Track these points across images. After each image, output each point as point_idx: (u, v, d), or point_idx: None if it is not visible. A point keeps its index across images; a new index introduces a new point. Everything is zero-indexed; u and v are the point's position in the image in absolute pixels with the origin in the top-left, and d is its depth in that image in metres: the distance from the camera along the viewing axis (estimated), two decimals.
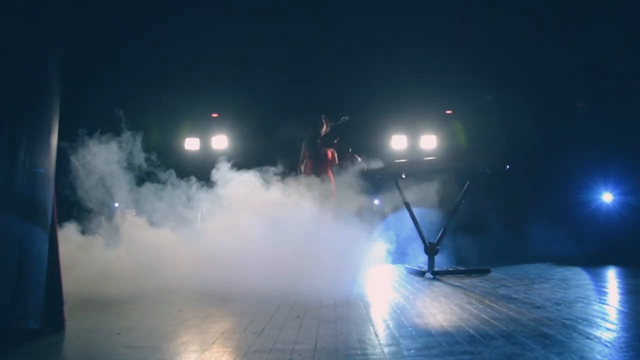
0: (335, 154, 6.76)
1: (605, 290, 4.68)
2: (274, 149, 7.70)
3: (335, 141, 6.83)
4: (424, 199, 6.34)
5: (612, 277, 5.54)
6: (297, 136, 7.08)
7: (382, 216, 7.70)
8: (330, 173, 6.65)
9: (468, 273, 5.74)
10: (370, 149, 8.45)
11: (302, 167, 6.77)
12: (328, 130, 6.74)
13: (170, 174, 5.62)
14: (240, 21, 7.80)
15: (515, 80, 8.20)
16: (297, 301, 4.03)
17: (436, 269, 5.74)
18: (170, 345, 2.77)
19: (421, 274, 5.73)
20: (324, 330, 2.99)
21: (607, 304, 3.83)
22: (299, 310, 3.67)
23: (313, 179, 6.26)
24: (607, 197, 7.74)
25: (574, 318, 3.16)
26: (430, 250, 5.77)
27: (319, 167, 6.60)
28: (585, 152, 7.58)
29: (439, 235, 5.89)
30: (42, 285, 2.86)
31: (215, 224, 5.37)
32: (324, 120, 6.69)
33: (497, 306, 3.65)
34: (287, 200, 5.47)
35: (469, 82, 8.36)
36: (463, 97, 8.80)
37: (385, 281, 5.49)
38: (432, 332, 2.91)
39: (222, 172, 5.64)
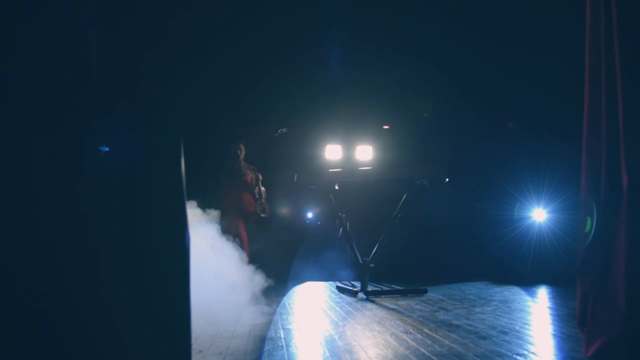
0: (257, 177, 6.74)
1: (549, 314, 4.33)
2: (195, 159, 7.25)
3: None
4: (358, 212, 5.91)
5: (548, 298, 5.23)
6: (221, 149, 6.94)
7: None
8: (249, 196, 6.66)
9: (404, 293, 5.26)
10: (304, 159, 7.97)
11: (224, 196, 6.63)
12: (245, 155, 6.77)
13: None
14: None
15: (450, 97, 8.09)
16: (205, 329, 3.36)
17: (370, 288, 5.23)
18: None
19: (353, 293, 5.20)
20: None
21: (556, 333, 3.44)
22: (204, 342, 3.01)
23: (233, 204, 6.43)
24: (539, 215, 7.58)
25: (526, 353, 2.70)
26: (364, 267, 5.26)
27: (240, 194, 6.62)
28: (516, 167, 7.44)
29: (373, 251, 5.40)
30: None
31: None
32: (242, 147, 6.73)
33: (437, 336, 3.15)
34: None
35: (406, 100, 8.21)
36: (400, 113, 8.54)
37: (313, 302, 4.91)
38: None
39: None
